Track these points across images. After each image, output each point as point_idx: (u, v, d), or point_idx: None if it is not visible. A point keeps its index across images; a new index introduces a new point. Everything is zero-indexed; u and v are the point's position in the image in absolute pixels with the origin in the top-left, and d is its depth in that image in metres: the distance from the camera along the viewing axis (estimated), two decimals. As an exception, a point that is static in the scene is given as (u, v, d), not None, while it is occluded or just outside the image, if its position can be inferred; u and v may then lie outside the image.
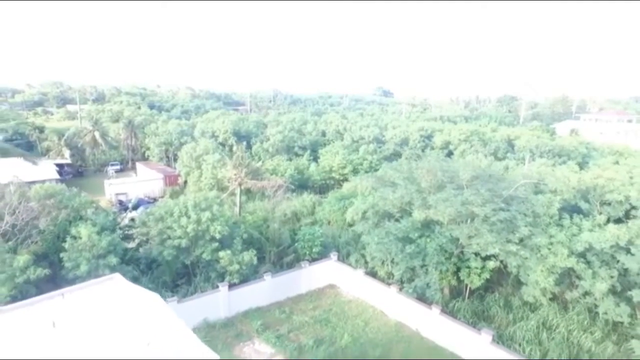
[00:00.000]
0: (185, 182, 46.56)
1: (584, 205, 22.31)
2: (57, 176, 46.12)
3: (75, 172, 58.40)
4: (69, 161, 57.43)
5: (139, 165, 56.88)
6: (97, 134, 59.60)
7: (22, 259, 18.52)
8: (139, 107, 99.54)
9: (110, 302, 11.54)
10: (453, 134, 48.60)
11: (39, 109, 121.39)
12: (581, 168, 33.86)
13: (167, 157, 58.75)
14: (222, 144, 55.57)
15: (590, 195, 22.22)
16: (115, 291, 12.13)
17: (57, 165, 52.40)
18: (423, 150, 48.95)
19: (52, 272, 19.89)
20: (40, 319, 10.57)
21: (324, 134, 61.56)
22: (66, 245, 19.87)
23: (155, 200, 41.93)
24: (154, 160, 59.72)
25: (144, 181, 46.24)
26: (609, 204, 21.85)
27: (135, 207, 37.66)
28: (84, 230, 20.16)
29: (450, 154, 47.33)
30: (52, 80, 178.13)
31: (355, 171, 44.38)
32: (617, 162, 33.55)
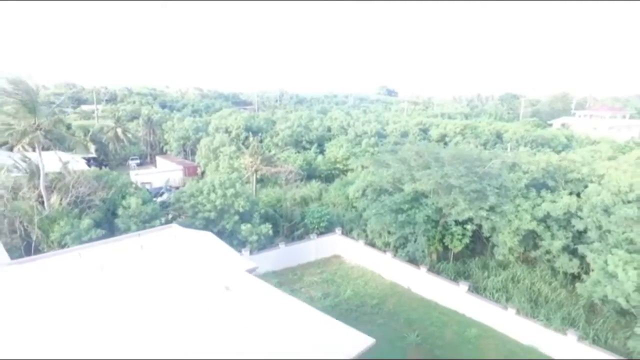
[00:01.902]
0: (203, 172, 51.08)
1: (551, 183, 26.34)
2: (88, 168, 50.70)
3: (99, 166, 63.01)
4: (94, 155, 62.12)
5: (158, 158, 61.57)
6: (119, 131, 64.17)
7: (86, 222, 22.98)
8: (152, 107, 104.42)
9: (178, 238, 15.90)
10: (448, 128, 52.75)
11: (56, 109, 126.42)
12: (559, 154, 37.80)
13: (185, 151, 63.40)
14: (235, 139, 59.98)
15: (556, 174, 26.25)
16: (178, 232, 16.49)
17: (85, 159, 57.06)
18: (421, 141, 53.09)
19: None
20: (130, 248, 14.95)
21: (329, 129, 65.65)
22: (119, 212, 24.39)
23: (177, 188, 46.43)
24: (173, 154, 64.42)
25: (166, 172, 50.80)
26: (571, 181, 25.86)
27: (161, 194, 42.24)
28: (133, 201, 24.66)
29: (445, 145, 51.43)
30: (65, 81, 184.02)
31: (357, 162, 48.59)
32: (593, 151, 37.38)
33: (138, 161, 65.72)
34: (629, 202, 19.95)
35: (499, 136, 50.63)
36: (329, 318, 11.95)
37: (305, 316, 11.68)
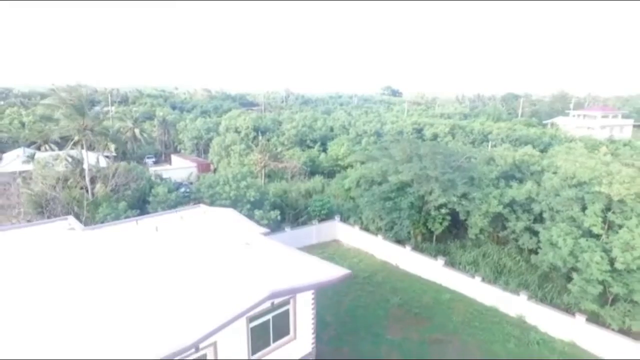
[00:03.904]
0: (216, 169, 55.71)
1: (518, 175, 30.54)
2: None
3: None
4: (114, 154, 67.08)
5: (173, 156, 66.42)
6: (136, 131, 69.10)
7: (122, 205, 27.62)
8: (163, 108, 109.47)
9: (207, 213, 20.44)
10: (440, 128, 56.95)
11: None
12: (541, 152, 41.95)
13: (198, 149, 68.24)
14: (244, 138, 64.58)
15: (521, 167, 30.43)
16: (206, 209, 21.04)
17: (106, 157, 61.97)
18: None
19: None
20: (172, 219, 19.53)
21: (331, 129, 70.02)
22: (150, 199, 28.98)
23: (191, 183, 51.09)
24: (186, 152, 69.30)
25: (181, 168, 55.59)
26: (534, 173, 30.02)
27: (179, 188, 47.00)
28: (160, 189, 29.26)
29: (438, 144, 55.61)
30: (78, 83, 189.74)
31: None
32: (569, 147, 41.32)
33: (153, 159, 70.65)
34: (573, 186, 24.13)
35: (486, 135, 54.79)
36: (320, 259, 16.58)
37: (303, 258, 16.30)
